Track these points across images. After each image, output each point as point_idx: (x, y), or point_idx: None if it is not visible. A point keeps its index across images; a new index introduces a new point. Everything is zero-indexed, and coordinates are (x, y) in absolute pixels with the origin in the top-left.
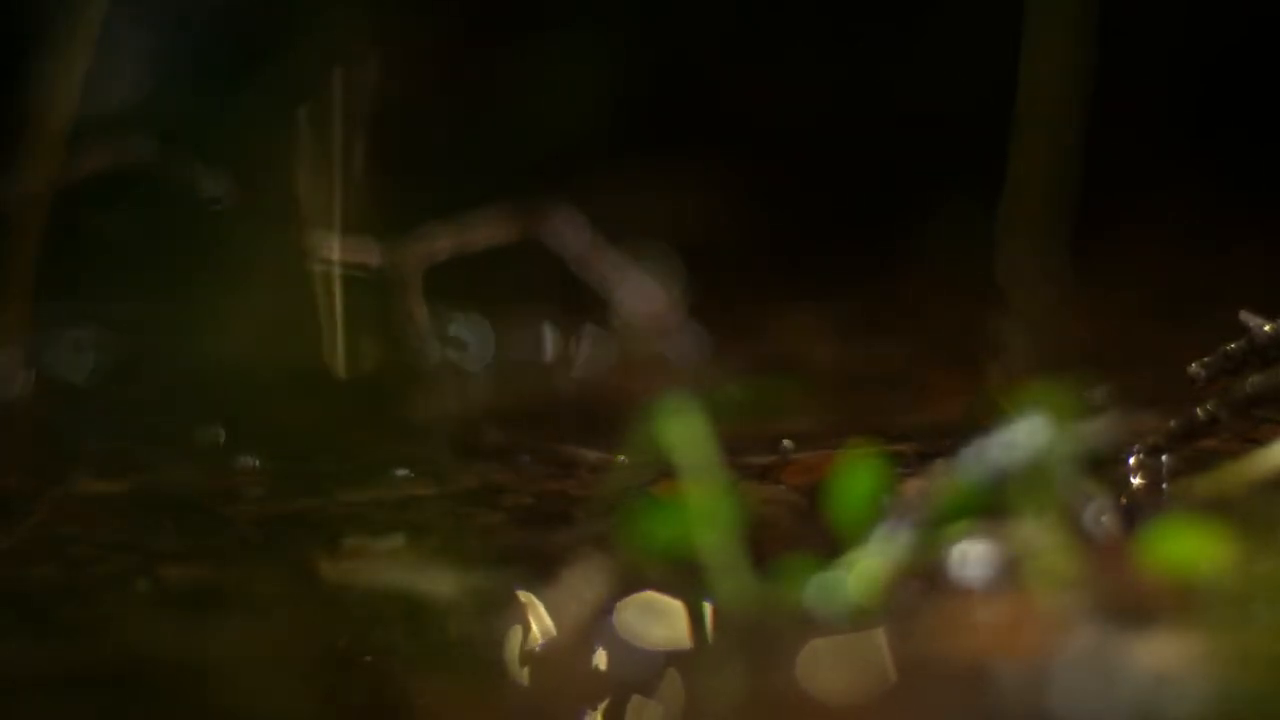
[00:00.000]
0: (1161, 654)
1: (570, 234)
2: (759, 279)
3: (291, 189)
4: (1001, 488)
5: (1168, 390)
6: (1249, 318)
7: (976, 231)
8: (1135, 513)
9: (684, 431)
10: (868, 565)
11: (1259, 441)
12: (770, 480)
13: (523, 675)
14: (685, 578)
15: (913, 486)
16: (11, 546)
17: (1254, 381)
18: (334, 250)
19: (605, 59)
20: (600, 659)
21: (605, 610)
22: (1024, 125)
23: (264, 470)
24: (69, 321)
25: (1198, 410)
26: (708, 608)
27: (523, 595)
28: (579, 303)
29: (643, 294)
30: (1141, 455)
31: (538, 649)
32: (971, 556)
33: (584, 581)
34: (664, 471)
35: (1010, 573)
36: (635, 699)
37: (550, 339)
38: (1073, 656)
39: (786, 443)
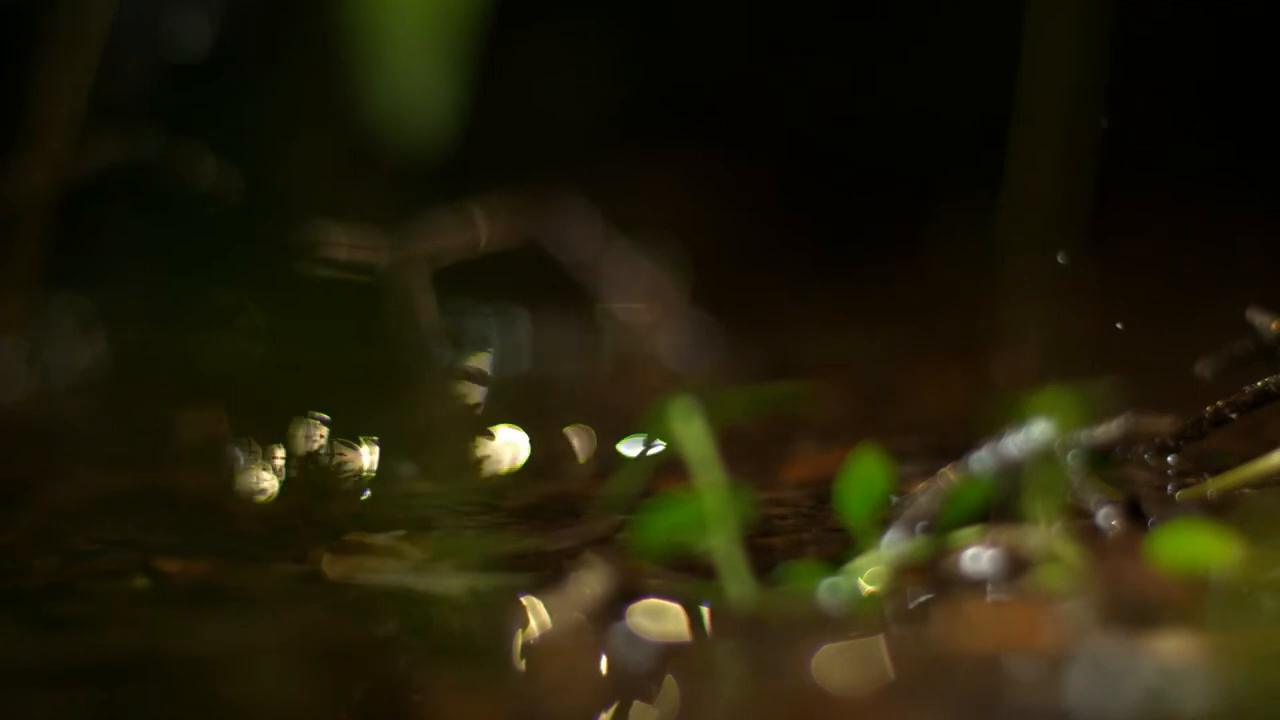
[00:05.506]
0: (1170, 652)
1: (576, 227)
2: (763, 276)
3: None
4: (1009, 487)
5: (1175, 389)
6: (1256, 315)
7: (983, 229)
8: (1143, 512)
9: (688, 429)
10: (875, 565)
11: (1266, 440)
12: (776, 479)
13: (525, 674)
14: (690, 578)
15: (920, 486)
16: (12, 541)
17: (1266, 380)
18: (338, 245)
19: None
20: (603, 659)
21: (608, 610)
22: (1026, 121)
23: (266, 465)
24: (73, 315)
25: (1205, 409)
26: (713, 609)
27: (525, 594)
28: (583, 297)
29: (647, 289)
30: (1149, 454)
31: (540, 648)
32: (979, 556)
33: (587, 581)
34: (668, 470)
35: (1019, 572)
36: (638, 700)
37: (554, 335)
38: (1082, 655)
39: (792, 441)
